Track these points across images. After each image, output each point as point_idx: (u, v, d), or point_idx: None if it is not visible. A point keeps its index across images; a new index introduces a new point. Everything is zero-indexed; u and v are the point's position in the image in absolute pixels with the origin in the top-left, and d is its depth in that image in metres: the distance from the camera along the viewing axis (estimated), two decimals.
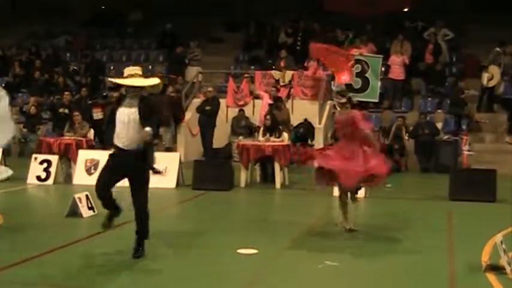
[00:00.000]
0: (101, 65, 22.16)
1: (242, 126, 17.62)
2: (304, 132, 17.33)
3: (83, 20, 25.62)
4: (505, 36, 19.00)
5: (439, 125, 17.52)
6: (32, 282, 6.33)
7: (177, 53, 21.27)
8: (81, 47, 24.06)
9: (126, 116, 7.23)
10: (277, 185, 13.28)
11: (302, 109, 17.74)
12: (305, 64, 19.05)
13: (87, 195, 9.75)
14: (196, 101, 18.66)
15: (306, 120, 17.47)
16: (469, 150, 16.56)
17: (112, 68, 22.79)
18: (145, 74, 7.79)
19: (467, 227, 9.58)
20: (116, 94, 17.79)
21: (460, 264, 7.10)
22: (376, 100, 14.10)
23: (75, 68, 21.50)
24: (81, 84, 20.33)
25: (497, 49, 18.19)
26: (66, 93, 18.41)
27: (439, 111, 18.46)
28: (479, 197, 11.42)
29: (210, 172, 12.95)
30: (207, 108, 17.30)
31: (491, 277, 6.51)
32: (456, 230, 9.25)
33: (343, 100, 9.15)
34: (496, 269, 6.69)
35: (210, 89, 17.82)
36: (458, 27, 20.97)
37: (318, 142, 17.31)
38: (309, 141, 17.30)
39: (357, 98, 13.30)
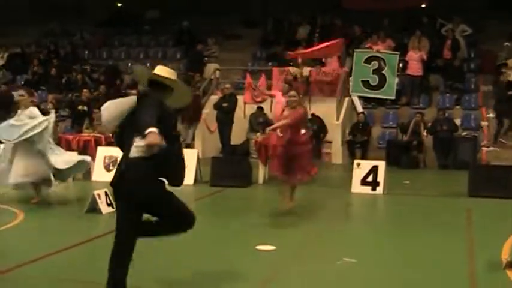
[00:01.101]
0: (116, 67, 22.21)
1: (260, 122, 17.61)
2: (317, 128, 17.17)
3: (98, 21, 25.72)
4: None
5: (458, 121, 17.41)
6: (55, 276, 6.40)
7: (196, 50, 21.30)
8: (98, 45, 24.18)
9: None
10: None
11: (320, 106, 17.71)
12: (323, 60, 19.00)
13: (105, 192, 9.81)
14: (214, 98, 18.68)
15: (313, 115, 17.21)
16: (488, 147, 16.46)
17: (129, 65, 22.89)
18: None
19: (486, 223, 9.53)
20: (134, 91, 17.97)
21: (479, 261, 7.07)
22: (393, 97, 14.08)
23: (93, 67, 21.53)
24: (99, 81, 20.43)
25: (507, 43, 18.02)
26: (85, 90, 18.56)
27: (458, 107, 18.34)
28: (498, 194, 11.34)
29: (228, 169, 12.98)
30: (225, 105, 17.32)
31: None
32: (475, 227, 9.20)
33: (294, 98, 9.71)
34: None
35: (227, 85, 17.83)
36: (477, 23, 20.82)
37: (335, 139, 17.30)
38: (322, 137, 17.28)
39: (374, 95, 13.34)
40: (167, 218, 5.61)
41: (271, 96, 16.72)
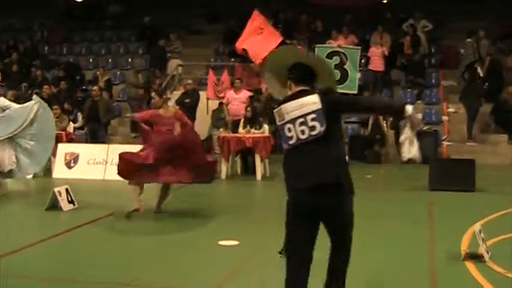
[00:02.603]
0: (76, 65, 21.94)
1: (222, 118, 17.57)
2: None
3: (60, 13, 25.36)
4: (482, 26, 19.15)
5: (419, 116, 17.59)
6: (14, 274, 6.30)
7: (158, 46, 21.18)
8: (59, 40, 23.86)
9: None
10: (258, 176, 13.29)
11: None
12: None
13: (67, 189, 9.70)
14: (177, 94, 18.59)
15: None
16: (449, 141, 16.72)
17: (91, 60, 22.67)
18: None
19: (447, 216, 9.66)
20: (95, 87, 17.80)
21: (440, 253, 7.17)
22: (355, 92, 14.14)
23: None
24: (59, 77, 20.17)
25: (469, 40, 18.29)
26: (46, 86, 18.30)
27: (419, 102, 18.55)
28: (459, 187, 11.51)
29: None
30: (187, 100, 17.23)
31: (470, 265, 6.58)
32: (436, 220, 9.32)
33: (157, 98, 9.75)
34: (475, 257, 6.76)
35: (189, 81, 17.75)
36: (438, 18, 21.05)
37: None
38: None
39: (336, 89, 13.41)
40: None
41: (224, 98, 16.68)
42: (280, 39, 14.57)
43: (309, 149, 4.58)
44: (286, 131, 4.65)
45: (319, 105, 4.57)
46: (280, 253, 4.93)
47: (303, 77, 4.76)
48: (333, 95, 4.78)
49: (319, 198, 4.59)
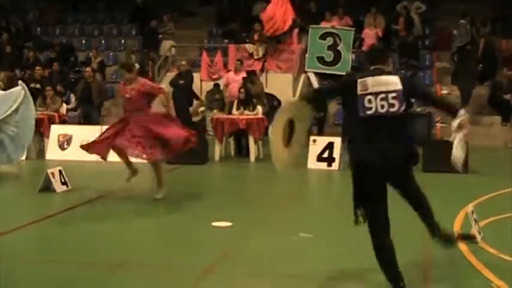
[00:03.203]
0: (70, 46, 21.81)
1: (216, 99, 17.55)
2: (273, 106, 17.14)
3: None
4: (476, 8, 19.14)
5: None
6: (6, 257, 6.29)
7: (150, 27, 21.08)
8: (51, 22, 23.71)
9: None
10: (252, 158, 13.30)
11: (276, 82, 17.71)
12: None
13: (60, 170, 9.68)
14: (170, 75, 18.54)
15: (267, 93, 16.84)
16: (442, 123, 16.73)
17: (84, 41, 22.55)
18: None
19: (440, 198, 9.60)
20: (88, 68, 17.72)
21: None
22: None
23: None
24: (52, 59, 20.07)
25: (462, 21, 18.26)
26: (38, 68, 18.21)
27: None
28: (452, 169, 11.46)
29: None
30: (181, 82, 17.20)
31: (462, 246, 6.61)
32: (429, 201, 9.32)
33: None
34: (467, 238, 6.78)
35: (183, 62, 17.70)
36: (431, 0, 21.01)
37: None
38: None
39: (330, 71, 13.39)
40: None
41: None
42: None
43: (383, 122, 5.14)
44: (366, 101, 5.13)
45: (400, 86, 5.15)
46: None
47: (378, 58, 5.41)
48: (411, 82, 5.70)
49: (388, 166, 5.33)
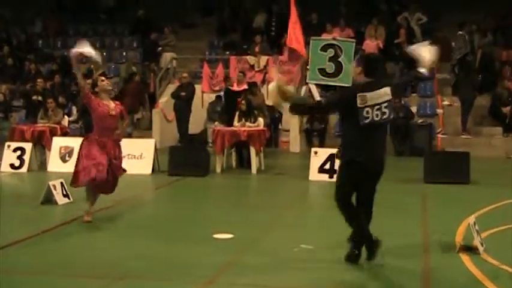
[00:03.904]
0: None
1: (217, 111, 17.57)
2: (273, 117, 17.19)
3: (53, 5, 25.26)
4: (476, 19, 19.17)
5: (414, 109, 17.62)
6: (7, 269, 6.29)
7: (150, 39, 21.15)
8: (52, 33, 23.76)
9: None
10: (253, 170, 13.29)
11: None
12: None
13: (61, 183, 9.67)
14: (172, 87, 18.59)
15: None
16: (443, 134, 16.76)
17: None
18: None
19: (441, 209, 9.68)
20: (88, 81, 17.72)
21: (434, 246, 7.19)
22: (349, 85, 14.12)
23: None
24: (54, 71, 20.11)
25: (460, 32, 18.30)
26: (39, 80, 18.26)
27: (414, 94, 18.56)
28: (453, 179, 11.53)
29: (186, 158, 12.92)
30: (182, 93, 17.24)
31: (465, 257, 6.60)
32: (430, 212, 9.34)
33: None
34: (469, 249, 6.78)
35: (184, 74, 17.74)
36: (433, 11, 21.04)
37: (293, 127, 17.35)
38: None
39: (331, 82, 13.40)
40: None
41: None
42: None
43: (376, 128, 6.14)
44: (364, 112, 6.03)
45: (390, 96, 6.14)
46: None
47: (375, 68, 6.26)
48: (395, 86, 6.36)
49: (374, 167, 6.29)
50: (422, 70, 6.41)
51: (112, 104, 8.24)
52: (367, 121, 6.03)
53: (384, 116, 6.09)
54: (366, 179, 6.34)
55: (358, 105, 6.01)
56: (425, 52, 6.47)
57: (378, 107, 6.04)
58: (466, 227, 7.60)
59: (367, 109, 6.02)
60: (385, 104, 6.08)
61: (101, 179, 8.09)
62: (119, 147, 8.46)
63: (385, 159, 6.39)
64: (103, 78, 8.47)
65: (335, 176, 10.99)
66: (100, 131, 8.19)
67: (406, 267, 6.49)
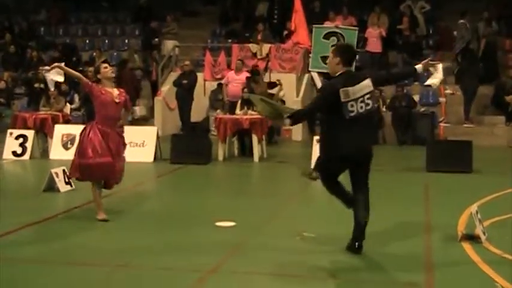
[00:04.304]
0: (73, 46, 21.86)
1: (220, 99, 17.56)
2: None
3: None
4: (480, 7, 19.10)
5: (416, 98, 17.60)
6: (9, 257, 6.30)
7: (150, 27, 21.11)
8: (56, 21, 23.73)
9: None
10: (255, 158, 13.28)
11: None
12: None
13: (63, 170, 9.67)
14: (174, 75, 18.56)
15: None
16: (446, 122, 16.73)
17: (87, 41, 22.57)
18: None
19: (443, 197, 9.67)
20: (91, 69, 17.72)
21: (436, 234, 7.19)
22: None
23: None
24: (55, 58, 20.07)
25: (462, 21, 18.24)
26: (41, 68, 18.23)
27: (416, 83, 18.52)
28: (455, 168, 11.52)
29: (188, 146, 12.92)
30: (184, 82, 17.22)
31: (467, 246, 6.60)
32: (433, 201, 9.33)
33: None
34: (471, 238, 6.78)
35: (186, 62, 17.71)
36: None
37: None
38: None
39: None
40: None
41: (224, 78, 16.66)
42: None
43: (361, 119, 6.23)
44: (349, 106, 6.16)
45: (372, 87, 6.27)
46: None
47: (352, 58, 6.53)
48: (375, 76, 6.50)
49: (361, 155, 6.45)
50: (431, 82, 7.09)
51: (116, 92, 7.86)
52: (352, 114, 6.15)
53: (368, 107, 6.21)
54: (355, 168, 6.47)
55: (342, 100, 6.14)
56: (440, 72, 7.04)
57: (361, 99, 6.18)
58: (468, 215, 7.61)
59: (351, 103, 6.15)
60: (368, 96, 6.20)
61: (100, 163, 7.63)
62: (123, 140, 8.01)
63: (373, 149, 6.51)
64: (106, 65, 8.13)
65: None
66: (102, 119, 7.76)
67: (408, 256, 6.49)
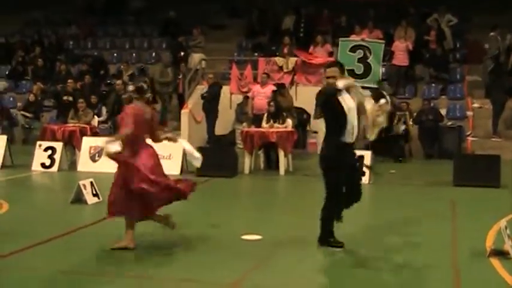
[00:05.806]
0: (101, 59, 22.09)
1: (246, 112, 17.59)
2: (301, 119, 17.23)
3: (81, 8, 25.55)
4: (507, 20, 18.97)
5: (443, 111, 17.47)
6: (37, 267, 6.37)
7: (177, 41, 21.28)
8: (84, 35, 24.03)
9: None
10: (281, 171, 13.28)
11: (306, 96, 17.68)
12: (310, 51, 18.95)
13: (91, 182, 9.77)
14: (200, 88, 18.65)
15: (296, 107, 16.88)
16: (473, 136, 16.59)
17: (115, 54, 22.81)
18: None
19: (471, 212, 9.59)
20: (119, 81, 17.93)
21: (464, 250, 7.12)
22: (377, 86, 14.09)
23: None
24: (84, 71, 20.31)
25: (492, 33, 18.12)
26: (70, 80, 18.51)
27: (443, 97, 18.41)
28: (483, 183, 11.41)
29: (214, 159, 12.92)
30: (205, 94, 17.34)
31: (495, 262, 6.53)
32: (460, 216, 9.26)
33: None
34: (500, 254, 6.71)
35: (210, 75, 17.82)
36: (463, 12, 20.85)
37: (321, 129, 17.26)
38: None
39: (360, 83, 13.38)
40: None
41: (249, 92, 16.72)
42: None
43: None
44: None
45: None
46: None
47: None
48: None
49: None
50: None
51: (148, 108, 7.50)
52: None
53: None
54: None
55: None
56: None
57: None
58: (496, 231, 7.53)
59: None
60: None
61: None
62: (156, 156, 7.70)
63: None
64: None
65: (363, 178, 11.07)
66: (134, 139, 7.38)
67: (435, 271, 6.45)
